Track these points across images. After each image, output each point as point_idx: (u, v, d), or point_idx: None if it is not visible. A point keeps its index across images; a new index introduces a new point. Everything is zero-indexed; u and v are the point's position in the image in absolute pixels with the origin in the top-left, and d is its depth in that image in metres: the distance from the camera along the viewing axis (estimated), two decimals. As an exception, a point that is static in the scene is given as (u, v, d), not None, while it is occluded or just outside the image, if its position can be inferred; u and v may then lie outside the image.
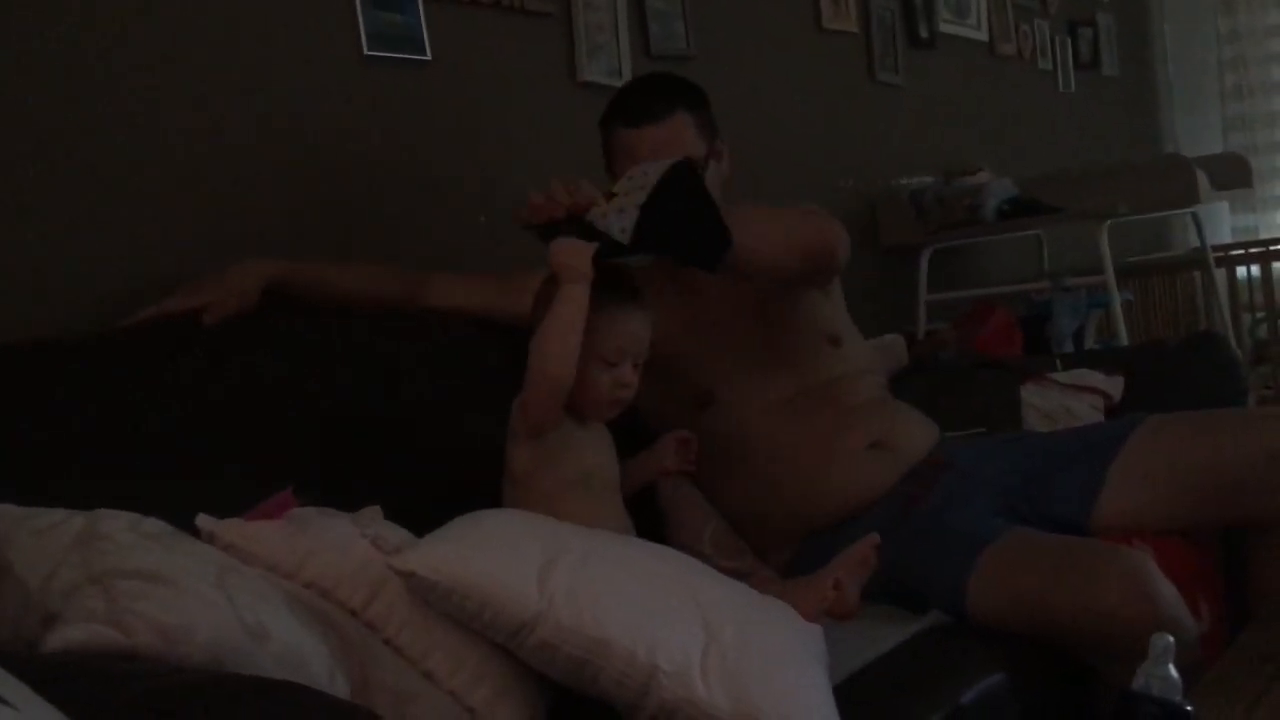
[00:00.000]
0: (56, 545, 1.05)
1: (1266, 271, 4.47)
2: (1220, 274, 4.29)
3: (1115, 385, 2.38)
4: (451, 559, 1.23)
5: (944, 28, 3.84)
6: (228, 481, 1.49)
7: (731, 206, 1.58)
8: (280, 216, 1.95)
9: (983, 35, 4.08)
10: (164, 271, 1.74)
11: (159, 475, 1.46)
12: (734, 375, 1.91)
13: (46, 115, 1.67)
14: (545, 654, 1.23)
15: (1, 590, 1.04)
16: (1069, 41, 4.68)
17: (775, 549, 1.90)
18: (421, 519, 1.33)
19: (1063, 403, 2.32)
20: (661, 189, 1.47)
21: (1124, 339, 3.35)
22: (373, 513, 1.38)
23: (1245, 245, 4.86)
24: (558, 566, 1.25)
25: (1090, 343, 3.57)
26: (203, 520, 1.24)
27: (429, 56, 2.19)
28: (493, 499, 1.51)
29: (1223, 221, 5.57)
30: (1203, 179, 3.39)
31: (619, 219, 1.46)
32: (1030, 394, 2.33)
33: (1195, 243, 4.38)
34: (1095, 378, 2.39)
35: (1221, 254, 4.52)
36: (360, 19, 2.07)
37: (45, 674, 0.84)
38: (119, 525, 1.09)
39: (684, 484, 1.88)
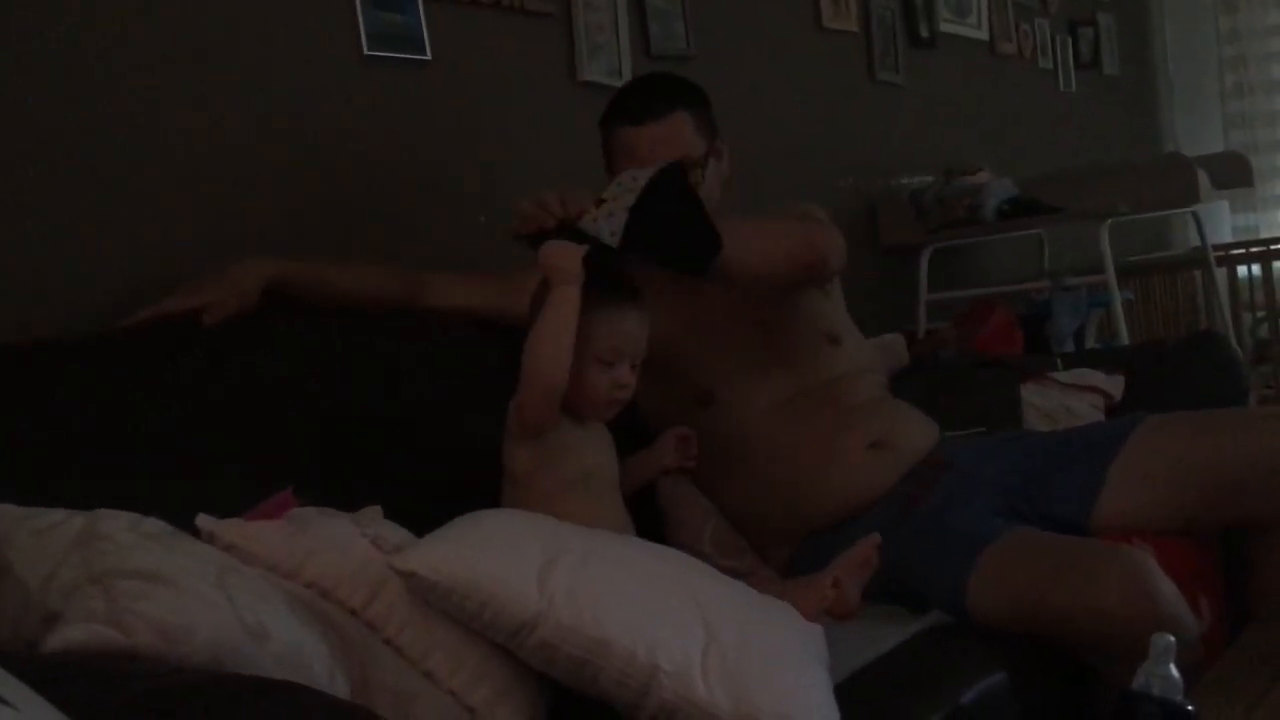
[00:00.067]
0: (56, 545, 1.05)
1: (1267, 271, 4.47)
2: (1221, 273, 4.29)
3: (1116, 385, 2.38)
4: (452, 559, 1.23)
5: (944, 27, 3.84)
6: (228, 481, 1.48)
7: (720, 217, 1.59)
8: (280, 216, 1.95)
9: (983, 34, 4.08)
10: (164, 271, 1.73)
11: (159, 475, 1.46)
12: (734, 375, 1.92)
13: (46, 115, 1.67)
14: (545, 654, 1.23)
15: (1, 590, 1.04)
16: (1069, 41, 4.68)
17: (775, 548, 1.90)
18: (421, 519, 1.33)
19: (1063, 402, 2.32)
20: (650, 192, 1.48)
21: (1124, 338, 3.35)
22: (373, 513, 1.38)
23: (1246, 244, 4.86)
24: (558, 566, 1.25)
25: (1091, 342, 3.57)
26: (203, 520, 1.24)
27: (429, 56, 2.19)
28: (493, 499, 1.51)
29: (1223, 221, 5.58)
30: (1203, 178, 3.39)
31: (608, 222, 1.48)
32: (1030, 393, 2.33)
33: (1196, 242, 4.38)
34: (1096, 377, 2.39)
35: (1222, 253, 4.52)
36: (360, 19, 2.07)
37: (45, 674, 0.84)
38: (119, 525, 1.09)
39: (684, 483, 1.88)
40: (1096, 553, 1.59)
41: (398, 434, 1.74)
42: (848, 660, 1.47)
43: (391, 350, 1.82)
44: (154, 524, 1.13)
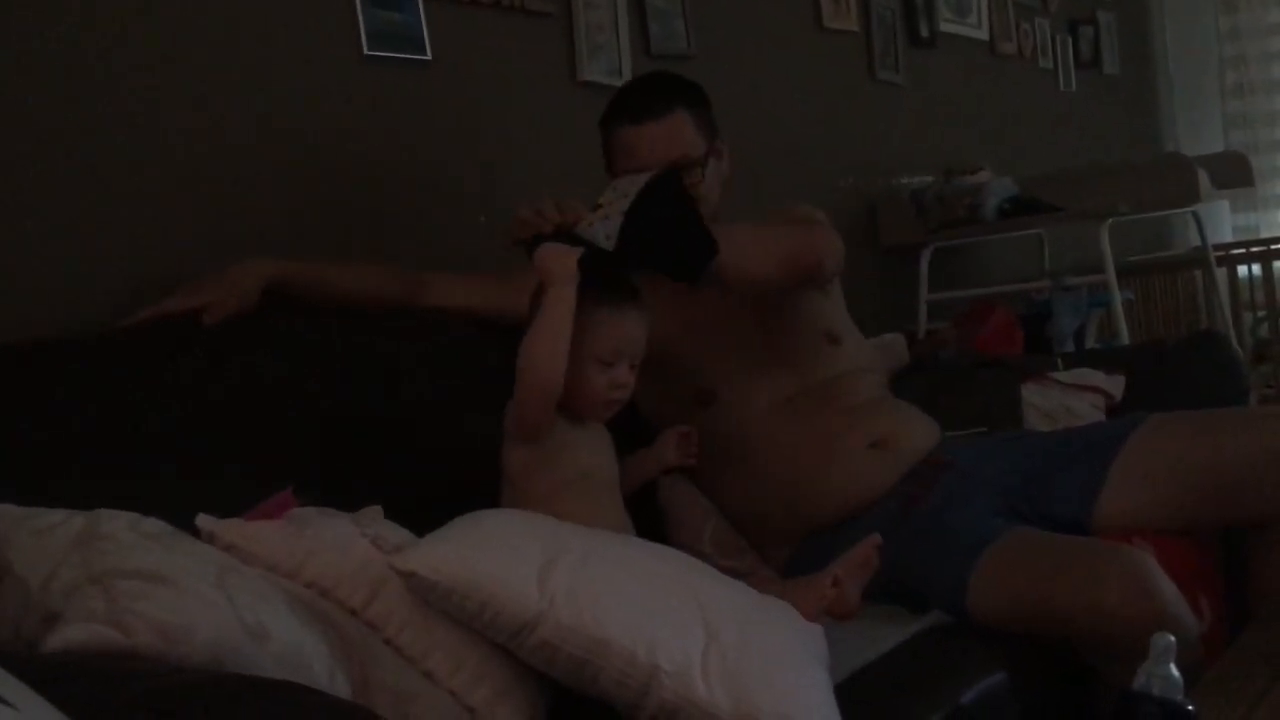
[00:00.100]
0: (56, 545, 1.05)
1: (1267, 270, 4.47)
2: (1221, 273, 4.29)
3: (1116, 384, 2.38)
4: (452, 559, 1.23)
5: (944, 26, 3.84)
6: (228, 481, 1.49)
7: (715, 222, 1.60)
8: (280, 216, 1.95)
9: (983, 34, 4.08)
10: (164, 271, 1.73)
11: (159, 475, 1.46)
12: (734, 375, 1.92)
13: (46, 115, 1.67)
14: (545, 654, 1.23)
15: (1, 590, 1.04)
16: (1069, 40, 4.68)
17: (775, 548, 1.90)
18: (421, 519, 1.33)
19: (1063, 402, 2.32)
20: (645, 195, 1.49)
21: (1125, 338, 3.35)
22: (373, 513, 1.38)
23: (1246, 244, 4.86)
24: (558, 566, 1.25)
25: (1091, 342, 3.57)
26: (203, 520, 1.24)
27: (429, 56, 2.19)
28: (493, 499, 1.51)
29: (1224, 220, 5.57)
30: (1204, 178, 3.39)
31: (604, 226, 1.49)
32: (1031, 393, 2.33)
33: (1196, 241, 4.38)
34: (1096, 377, 2.39)
35: (1222, 253, 4.52)
36: (360, 18, 2.07)
37: (45, 674, 0.84)
38: (119, 525, 1.09)
39: (683, 483, 1.88)
40: (1097, 552, 1.59)
41: (398, 434, 1.74)
42: (848, 660, 1.47)
43: (391, 350, 1.82)
44: (154, 524, 1.13)
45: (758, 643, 1.30)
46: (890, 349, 2.60)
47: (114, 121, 1.75)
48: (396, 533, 1.34)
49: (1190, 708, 1.21)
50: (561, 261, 1.46)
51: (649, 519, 1.75)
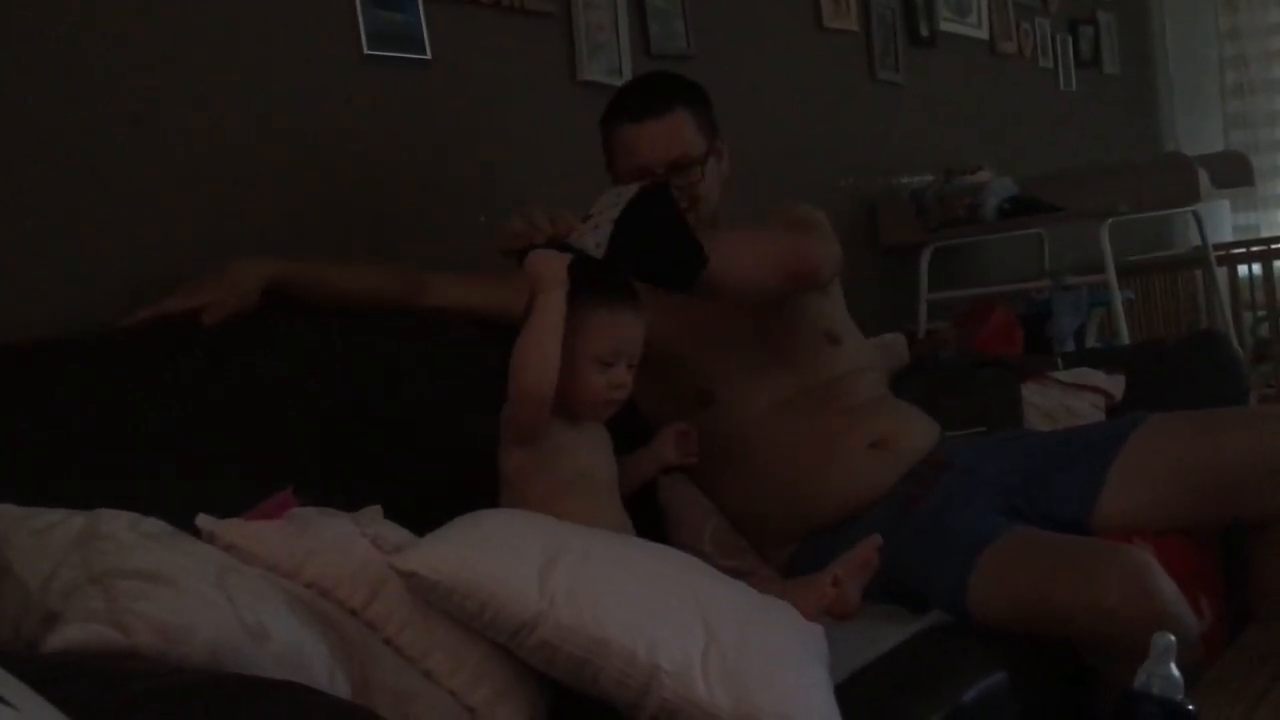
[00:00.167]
0: (56, 545, 1.05)
1: (1268, 270, 4.47)
2: (1221, 272, 4.29)
3: (1116, 384, 2.38)
4: (452, 559, 1.23)
5: (945, 26, 3.84)
6: (228, 481, 1.49)
7: (707, 230, 1.60)
8: (280, 216, 1.95)
9: (983, 34, 4.08)
10: (164, 271, 1.73)
11: (159, 475, 1.46)
12: (734, 375, 1.91)
13: (46, 115, 1.67)
14: (545, 654, 1.23)
15: (1, 590, 1.04)
16: (1070, 40, 4.68)
17: (775, 548, 1.90)
18: (421, 519, 1.33)
19: (1063, 401, 2.32)
20: (635, 204, 1.50)
21: (1125, 338, 3.35)
22: (373, 513, 1.38)
23: (1246, 244, 4.86)
24: (558, 566, 1.25)
25: (1091, 341, 3.57)
26: (203, 520, 1.24)
27: (429, 56, 2.19)
28: (493, 499, 1.51)
29: (1224, 220, 5.57)
30: (1204, 177, 3.39)
31: (594, 234, 1.50)
32: (1031, 393, 2.33)
33: (1196, 241, 4.38)
34: (1096, 376, 2.39)
35: (1223, 252, 4.52)
36: (360, 18, 2.07)
37: (45, 674, 0.84)
38: (119, 525, 1.09)
39: (683, 482, 1.88)
40: (1097, 552, 1.59)
41: (398, 434, 1.74)
42: (848, 660, 1.47)
43: (391, 350, 1.82)
44: (154, 524, 1.13)
45: (758, 642, 1.30)
46: (890, 349, 2.60)
47: (114, 121, 1.75)
48: (396, 533, 1.34)
49: (1190, 707, 1.21)
50: (551, 267, 1.46)
51: (649, 519, 1.75)
